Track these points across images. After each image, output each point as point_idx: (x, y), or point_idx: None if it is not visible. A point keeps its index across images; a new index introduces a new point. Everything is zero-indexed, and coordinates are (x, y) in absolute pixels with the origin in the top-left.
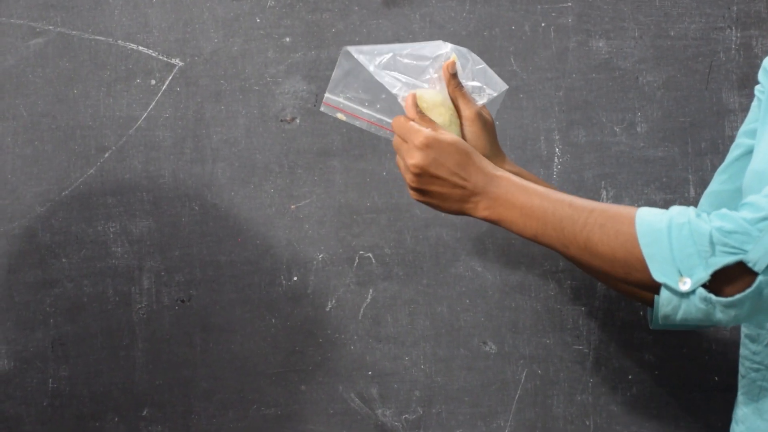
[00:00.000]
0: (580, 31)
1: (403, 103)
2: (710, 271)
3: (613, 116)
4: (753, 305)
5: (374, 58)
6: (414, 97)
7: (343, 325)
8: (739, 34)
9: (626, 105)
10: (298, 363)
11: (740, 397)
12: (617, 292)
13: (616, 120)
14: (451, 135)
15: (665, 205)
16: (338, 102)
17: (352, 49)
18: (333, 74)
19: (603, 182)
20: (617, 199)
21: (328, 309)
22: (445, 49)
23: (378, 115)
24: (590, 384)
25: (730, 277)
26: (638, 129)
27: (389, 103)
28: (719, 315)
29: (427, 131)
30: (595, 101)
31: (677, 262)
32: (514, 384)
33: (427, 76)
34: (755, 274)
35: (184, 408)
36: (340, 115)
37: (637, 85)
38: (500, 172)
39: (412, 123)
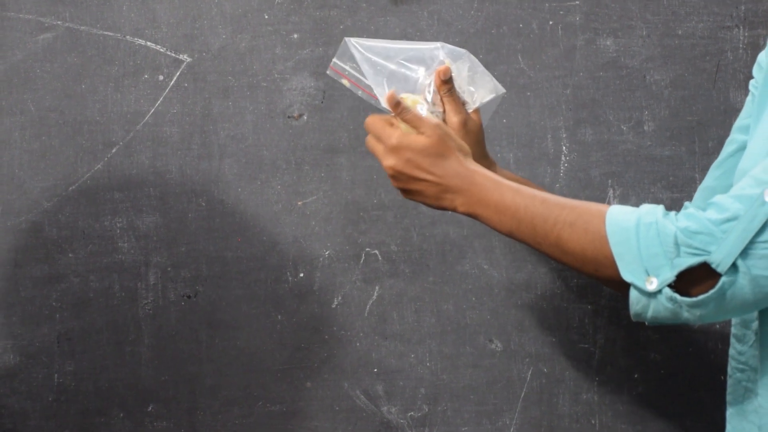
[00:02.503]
0: (587, 29)
1: (385, 105)
2: (675, 271)
3: (621, 115)
4: (718, 305)
5: (367, 60)
6: (392, 95)
7: (349, 322)
8: (746, 34)
9: (633, 103)
10: (304, 360)
11: (728, 397)
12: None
13: (623, 118)
14: (426, 135)
15: (672, 204)
16: (344, 69)
17: (351, 43)
18: (341, 45)
19: (610, 181)
20: (624, 198)
21: (334, 306)
22: (440, 53)
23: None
24: (596, 383)
25: (695, 278)
26: (645, 128)
27: (393, 79)
28: (686, 314)
29: (397, 132)
30: (602, 99)
31: (644, 261)
32: (520, 382)
33: (420, 80)
34: (719, 275)
35: (190, 404)
36: (344, 81)
37: (645, 83)
38: (474, 168)
39: (383, 124)
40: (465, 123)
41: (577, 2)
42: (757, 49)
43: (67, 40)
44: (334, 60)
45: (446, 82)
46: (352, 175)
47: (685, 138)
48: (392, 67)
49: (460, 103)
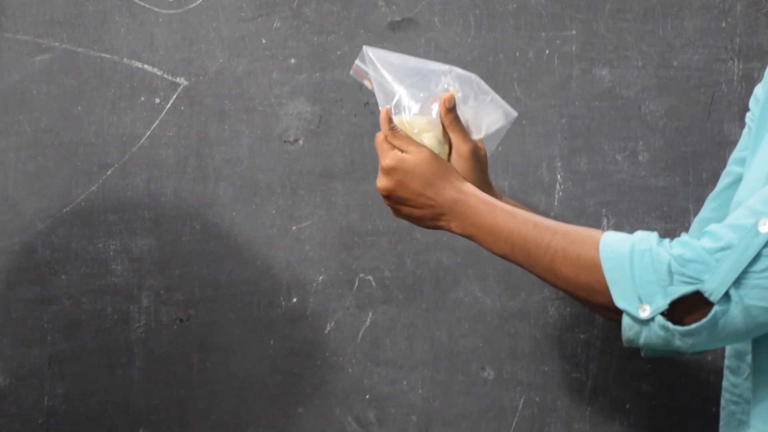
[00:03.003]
0: (583, 59)
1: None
2: (668, 299)
3: (615, 144)
4: (710, 334)
5: (384, 78)
6: (388, 112)
7: (341, 347)
8: (741, 66)
9: (628, 134)
10: (296, 385)
11: (721, 429)
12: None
13: (618, 148)
14: (417, 154)
15: (666, 234)
16: (366, 72)
17: (368, 51)
18: (363, 49)
19: (604, 210)
20: (618, 228)
21: (326, 331)
22: (448, 78)
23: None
24: (588, 412)
25: (688, 306)
26: (640, 158)
27: (414, 87)
28: (678, 342)
29: (392, 153)
30: (597, 129)
31: (638, 288)
32: (512, 411)
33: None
34: (712, 304)
35: (180, 428)
36: (366, 83)
37: (640, 114)
38: (467, 190)
39: (381, 143)
40: (473, 152)
41: (574, 32)
42: (751, 81)
43: (64, 61)
44: (357, 62)
45: (450, 111)
46: (347, 200)
47: (679, 169)
48: (399, 88)
49: (465, 132)
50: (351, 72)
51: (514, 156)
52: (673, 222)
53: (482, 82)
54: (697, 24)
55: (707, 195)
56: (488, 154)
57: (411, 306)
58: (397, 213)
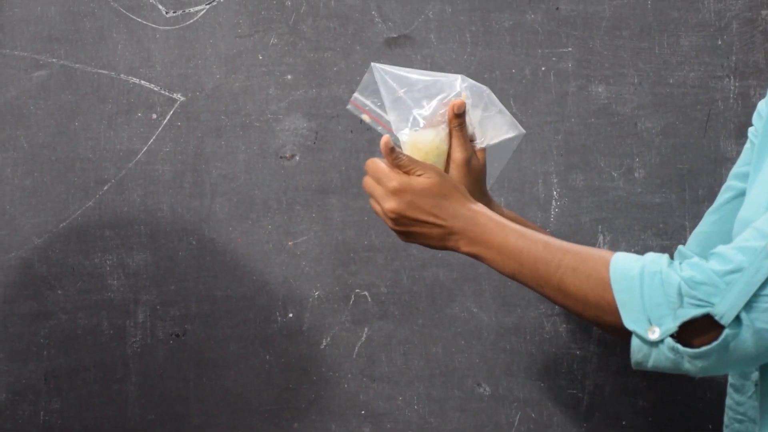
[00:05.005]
0: (579, 76)
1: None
2: (678, 322)
3: (611, 161)
4: (720, 357)
5: (391, 91)
6: (388, 141)
7: (337, 363)
8: (737, 84)
9: (624, 150)
10: (292, 400)
11: None
12: (611, 337)
13: (614, 165)
14: (425, 175)
15: (662, 251)
16: (365, 104)
17: (377, 69)
18: (363, 77)
19: (600, 227)
20: (614, 244)
21: (322, 347)
22: (459, 87)
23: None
24: (584, 429)
25: (698, 329)
26: (636, 175)
27: (425, 93)
28: (687, 365)
29: (399, 175)
30: (593, 146)
31: (647, 310)
32: (508, 427)
33: (432, 109)
34: (722, 327)
35: None
36: (364, 117)
37: (636, 131)
38: (477, 209)
39: (382, 167)
40: (468, 160)
41: (570, 49)
42: (747, 99)
43: (62, 77)
44: (355, 95)
45: (458, 116)
46: (343, 216)
47: (675, 186)
48: (410, 103)
49: (467, 140)
50: (349, 106)
51: (510, 172)
52: (669, 239)
53: (493, 95)
54: (693, 41)
55: (703, 212)
56: (496, 173)
57: (407, 322)
58: (407, 236)
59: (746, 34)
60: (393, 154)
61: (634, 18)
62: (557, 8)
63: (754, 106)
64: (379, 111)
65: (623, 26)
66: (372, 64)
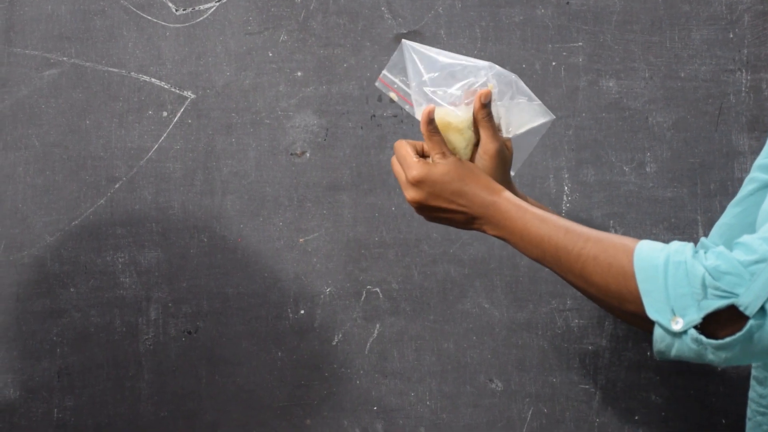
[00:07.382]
0: (590, 70)
1: (419, 117)
2: (702, 313)
3: (623, 156)
4: (744, 348)
5: (421, 74)
6: (430, 111)
7: (349, 359)
8: (749, 77)
9: (636, 145)
10: (304, 397)
11: None
12: (623, 331)
13: (625, 159)
14: (444, 163)
15: None
16: (393, 82)
17: (407, 47)
18: (393, 56)
19: (611, 221)
20: None
21: (334, 343)
22: (488, 74)
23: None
24: (596, 424)
25: (722, 320)
26: (647, 169)
27: (452, 80)
28: (710, 356)
29: (419, 164)
30: (604, 140)
31: (671, 301)
32: (520, 422)
33: (462, 96)
34: (747, 318)
35: None
36: (392, 95)
37: (647, 125)
38: (499, 194)
39: (407, 153)
40: (498, 152)
41: (580, 43)
42: (759, 92)
43: (73, 76)
44: (384, 72)
45: (485, 106)
46: (354, 212)
47: (687, 180)
48: (433, 89)
49: (495, 129)
50: (377, 83)
51: (522, 167)
52: (680, 233)
53: (521, 82)
54: (705, 35)
55: (715, 206)
56: (523, 158)
57: (418, 318)
58: (431, 219)
59: (758, 27)
60: (431, 126)
61: (644, 12)
62: (567, 3)
63: (766, 100)
64: (407, 89)
65: (634, 20)
66: (403, 41)
